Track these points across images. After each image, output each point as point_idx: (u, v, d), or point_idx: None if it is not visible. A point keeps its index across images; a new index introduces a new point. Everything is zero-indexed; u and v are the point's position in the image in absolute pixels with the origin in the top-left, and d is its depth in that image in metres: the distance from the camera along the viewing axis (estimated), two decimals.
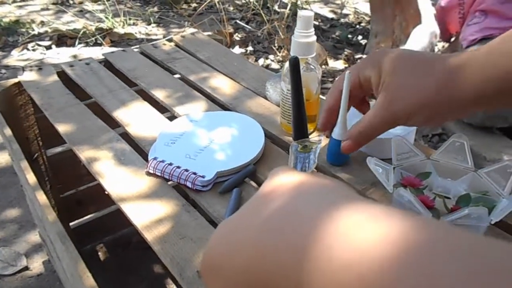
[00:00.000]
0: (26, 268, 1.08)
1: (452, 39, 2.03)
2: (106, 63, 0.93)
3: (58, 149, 0.97)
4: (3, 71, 2.14)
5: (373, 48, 2.24)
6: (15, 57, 2.29)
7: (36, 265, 1.09)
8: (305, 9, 2.80)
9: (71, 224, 1.07)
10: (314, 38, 0.60)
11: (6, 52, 2.35)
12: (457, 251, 0.14)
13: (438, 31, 2.08)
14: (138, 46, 1.01)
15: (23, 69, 2.16)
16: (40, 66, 0.90)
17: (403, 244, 0.15)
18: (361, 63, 0.49)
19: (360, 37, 2.52)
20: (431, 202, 0.49)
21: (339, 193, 0.21)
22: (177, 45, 1.01)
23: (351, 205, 0.19)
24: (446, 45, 2.10)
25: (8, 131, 0.73)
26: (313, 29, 0.60)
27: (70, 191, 1.03)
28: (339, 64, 2.23)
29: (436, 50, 2.12)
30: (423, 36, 2.04)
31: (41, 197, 0.58)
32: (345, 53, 2.28)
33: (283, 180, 0.24)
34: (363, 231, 0.17)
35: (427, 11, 2.16)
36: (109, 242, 1.13)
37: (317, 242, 0.18)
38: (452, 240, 0.15)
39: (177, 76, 0.88)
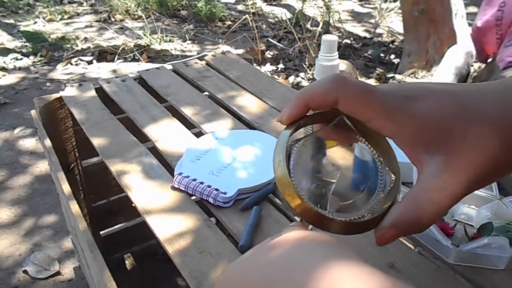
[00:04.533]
0: (58, 273, 1.13)
1: (489, 60, 1.98)
2: (140, 80, 0.98)
3: (93, 160, 1.02)
4: (48, 84, 2.28)
5: (405, 68, 2.22)
6: (60, 71, 2.43)
7: (67, 270, 1.14)
8: (337, 28, 2.82)
9: (101, 232, 1.11)
10: (338, 61, 0.62)
11: (52, 66, 2.50)
12: None
13: (474, 52, 2.03)
14: (171, 63, 1.05)
15: (64, 84, 2.28)
16: (81, 83, 0.96)
17: None
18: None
19: (392, 56, 2.50)
20: (451, 229, 0.48)
21: (333, 251, 0.23)
22: (208, 64, 1.05)
23: (338, 264, 0.21)
24: (483, 65, 2.05)
25: (48, 143, 0.79)
26: (336, 52, 0.61)
27: (102, 200, 1.08)
28: (370, 83, 2.21)
29: (472, 70, 2.07)
30: (458, 56, 2.00)
31: (74, 206, 0.62)
32: (377, 72, 2.26)
33: (290, 234, 0.27)
34: None
35: (463, 30, 2.12)
36: (136, 252, 1.17)
37: None
38: None
39: (206, 93, 0.92)
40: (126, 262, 1.16)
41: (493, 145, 0.28)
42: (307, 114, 0.33)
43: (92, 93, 0.91)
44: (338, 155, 0.62)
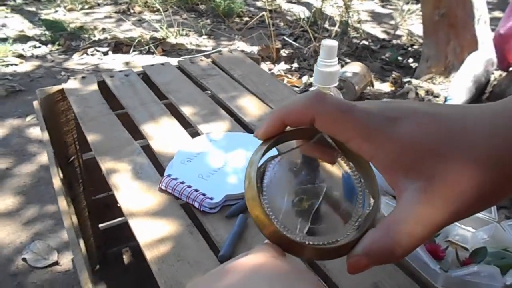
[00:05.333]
0: (56, 263, 1.14)
1: (511, 69, 1.91)
2: (144, 76, 0.97)
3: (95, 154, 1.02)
4: (63, 73, 2.30)
5: (423, 73, 2.16)
6: (75, 61, 2.46)
7: (66, 261, 1.15)
8: (356, 28, 2.76)
9: (100, 225, 1.11)
10: (337, 68, 0.59)
11: (68, 55, 2.53)
12: None
13: (495, 59, 1.96)
14: (180, 58, 1.04)
15: (68, 76, 2.30)
16: (84, 75, 0.95)
17: None
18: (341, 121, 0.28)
19: (411, 60, 2.44)
20: (441, 252, 0.46)
21: (285, 285, 0.23)
22: (213, 62, 1.04)
23: None
24: (504, 74, 1.98)
25: (46, 135, 0.79)
26: (336, 58, 0.59)
27: (101, 194, 1.08)
28: (385, 87, 2.17)
29: (492, 78, 2.00)
30: (478, 63, 1.93)
31: (62, 202, 0.62)
32: (393, 75, 2.21)
33: (250, 259, 0.26)
34: None
35: (485, 37, 2.05)
36: (134, 247, 1.17)
37: None
38: None
39: (208, 92, 0.90)
40: (124, 256, 1.16)
41: (478, 173, 0.26)
42: (286, 130, 0.31)
43: (94, 86, 0.91)
44: (330, 171, 0.59)
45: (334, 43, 0.59)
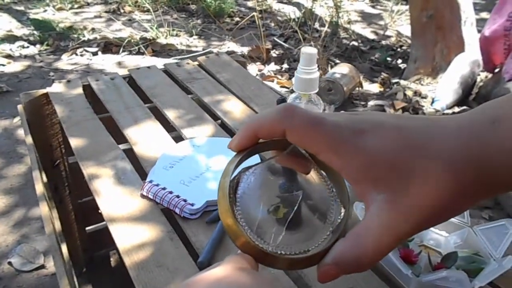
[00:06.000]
0: (42, 267, 1.13)
1: (496, 70, 1.94)
2: (130, 79, 0.97)
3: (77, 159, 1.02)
4: (52, 73, 2.29)
5: (411, 74, 2.18)
6: (64, 61, 2.44)
7: (52, 264, 1.15)
8: (346, 29, 2.78)
9: (87, 228, 1.11)
10: (317, 74, 0.60)
11: (57, 55, 2.51)
12: None
13: (481, 61, 1.99)
14: (168, 61, 1.04)
15: (53, 80, 2.29)
16: (69, 79, 0.95)
17: None
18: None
19: (399, 61, 2.46)
20: (414, 257, 0.47)
21: None
22: (200, 65, 1.04)
23: None
24: (489, 75, 2.01)
25: (29, 140, 0.78)
26: (316, 65, 0.60)
27: (88, 197, 1.08)
28: (374, 88, 2.18)
29: (478, 80, 2.02)
30: (464, 64, 1.96)
31: (44, 208, 0.62)
32: (382, 76, 2.23)
33: (213, 272, 0.26)
34: None
35: (471, 38, 2.08)
36: None
37: None
38: None
39: (193, 96, 0.91)
40: (111, 258, 1.16)
41: (443, 182, 0.26)
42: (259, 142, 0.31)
43: (79, 90, 0.91)
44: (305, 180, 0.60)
45: (313, 50, 0.60)
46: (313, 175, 0.33)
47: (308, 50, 0.59)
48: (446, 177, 0.26)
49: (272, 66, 2.39)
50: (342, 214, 0.31)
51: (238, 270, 0.27)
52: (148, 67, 1.02)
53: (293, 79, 2.32)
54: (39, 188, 0.66)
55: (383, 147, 0.27)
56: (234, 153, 0.31)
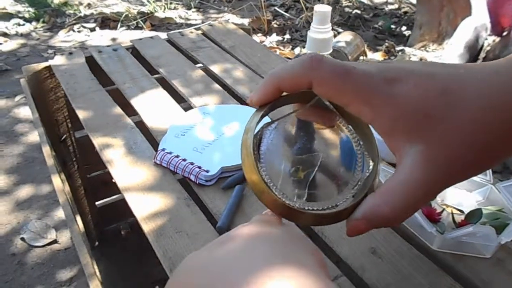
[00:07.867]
0: (55, 241, 1.14)
1: (504, 33, 1.89)
2: (134, 50, 0.95)
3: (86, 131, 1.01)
4: (50, 51, 2.25)
5: (416, 40, 2.14)
6: (61, 38, 2.40)
7: (64, 239, 1.16)
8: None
9: (97, 203, 1.11)
10: (331, 34, 0.58)
11: (53, 32, 2.46)
12: None
13: (489, 24, 1.94)
14: (169, 32, 1.01)
15: (54, 53, 2.25)
16: (71, 51, 0.93)
17: None
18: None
19: (404, 28, 2.41)
20: (437, 215, 0.46)
21: (280, 252, 0.23)
22: (204, 34, 1.01)
23: (276, 267, 0.21)
24: (498, 39, 1.96)
25: (35, 114, 0.77)
26: (329, 24, 0.57)
27: (97, 172, 1.07)
28: (378, 56, 2.14)
29: (485, 44, 1.98)
30: (471, 29, 1.91)
31: (56, 180, 0.61)
32: (386, 44, 2.18)
33: (247, 228, 0.26)
34: None
35: (478, 2, 2.02)
36: (132, 223, 1.18)
37: None
38: None
39: (199, 65, 0.88)
40: (122, 232, 1.17)
41: (476, 135, 0.25)
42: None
43: (82, 62, 0.89)
44: (327, 136, 0.59)
45: (327, 8, 0.57)
46: (338, 128, 0.32)
47: (322, 8, 0.57)
48: (480, 125, 0.25)
49: (274, 37, 2.34)
50: (371, 167, 0.30)
51: (270, 226, 0.27)
52: (151, 37, 0.99)
53: (295, 50, 2.26)
54: (50, 160, 0.65)
55: (416, 96, 0.26)
56: (247, 118, 0.30)
